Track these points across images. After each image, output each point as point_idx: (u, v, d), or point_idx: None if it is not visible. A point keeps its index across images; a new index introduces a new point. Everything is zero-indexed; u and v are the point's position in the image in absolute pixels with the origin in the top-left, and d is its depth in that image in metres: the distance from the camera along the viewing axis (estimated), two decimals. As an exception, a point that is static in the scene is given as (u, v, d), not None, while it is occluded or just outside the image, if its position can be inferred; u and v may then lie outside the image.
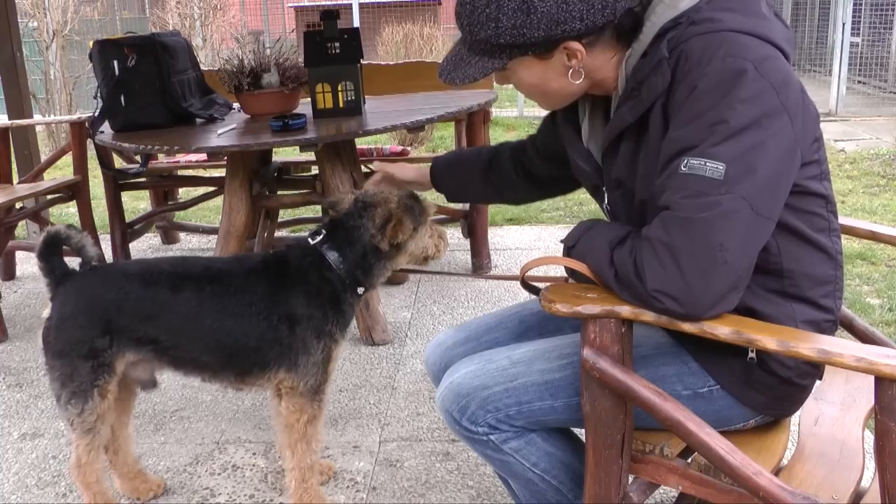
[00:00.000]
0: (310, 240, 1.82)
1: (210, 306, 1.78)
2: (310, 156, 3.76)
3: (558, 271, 1.50)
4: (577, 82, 1.31)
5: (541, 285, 1.38)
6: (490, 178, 1.74)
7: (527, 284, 1.43)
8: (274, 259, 1.86)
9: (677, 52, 1.20)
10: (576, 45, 1.25)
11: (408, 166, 1.87)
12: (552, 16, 1.22)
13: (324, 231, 1.82)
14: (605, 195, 1.42)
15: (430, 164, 1.85)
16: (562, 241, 1.38)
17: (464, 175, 1.78)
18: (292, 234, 4.44)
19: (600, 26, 1.24)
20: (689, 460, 1.34)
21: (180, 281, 1.80)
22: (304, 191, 3.37)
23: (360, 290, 1.84)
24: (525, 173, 1.71)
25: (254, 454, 2.32)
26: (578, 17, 1.22)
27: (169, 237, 4.56)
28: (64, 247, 1.82)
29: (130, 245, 4.03)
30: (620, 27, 1.26)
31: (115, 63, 3.14)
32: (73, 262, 1.83)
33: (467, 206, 3.72)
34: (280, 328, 1.79)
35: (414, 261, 1.88)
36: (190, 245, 4.57)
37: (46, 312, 1.79)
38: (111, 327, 1.77)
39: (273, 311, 1.79)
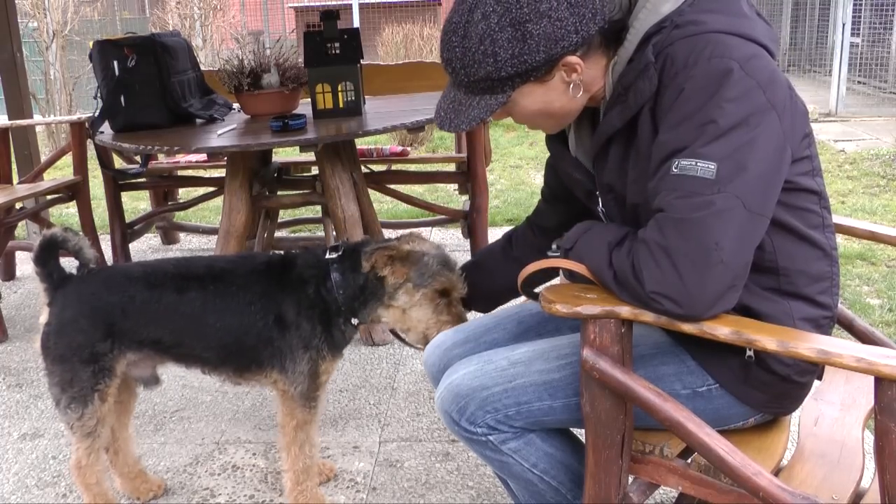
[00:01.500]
0: (326, 253, 1.80)
1: (213, 305, 1.79)
2: (310, 156, 3.75)
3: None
4: (578, 96, 1.30)
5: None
6: (511, 253, 1.68)
7: (526, 290, 1.42)
8: (280, 261, 1.86)
9: (663, 56, 1.20)
10: (574, 58, 1.25)
11: None
12: (549, 35, 1.21)
13: (342, 250, 1.80)
14: (599, 200, 1.42)
15: None
16: (559, 244, 1.38)
17: (487, 267, 1.71)
18: (292, 235, 4.45)
19: (593, 34, 1.24)
20: (689, 460, 1.34)
21: (185, 282, 1.80)
22: (304, 191, 3.36)
23: (355, 321, 1.81)
24: (542, 232, 1.66)
25: (254, 454, 2.32)
26: (573, 30, 1.22)
27: (169, 237, 4.56)
28: (60, 249, 1.82)
29: (130, 245, 4.03)
30: (607, 33, 1.26)
31: (115, 63, 3.14)
32: (67, 265, 1.83)
33: (467, 205, 3.72)
34: (273, 329, 1.79)
35: (413, 333, 1.76)
36: (190, 245, 4.57)
37: (44, 318, 1.79)
38: (114, 330, 1.77)
39: (269, 311, 1.79)
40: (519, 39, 1.21)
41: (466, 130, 1.33)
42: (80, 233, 1.90)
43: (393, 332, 1.87)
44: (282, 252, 1.91)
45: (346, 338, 1.85)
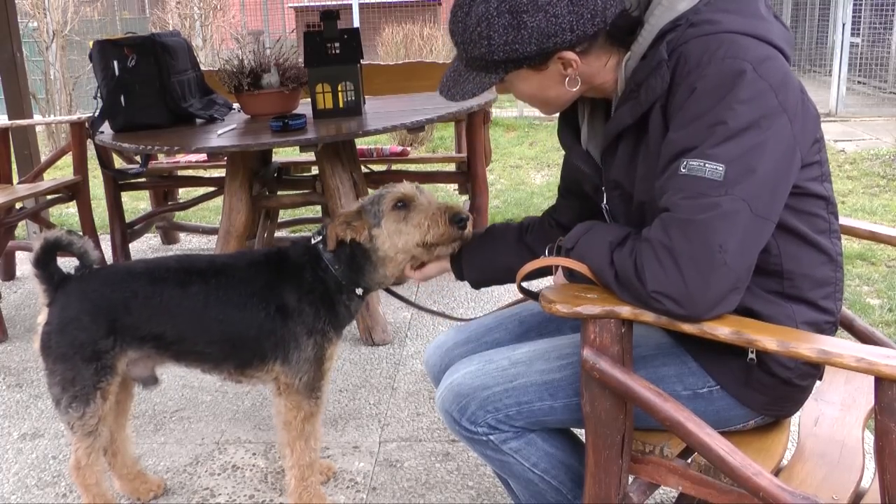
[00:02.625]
0: (312, 239, 1.83)
1: (216, 298, 1.80)
2: (310, 156, 3.76)
3: (549, 278, 1.49)
4: (574, 89, 1.32)
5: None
6: (524, 237, 1.65)
7: (524, 290, 1.42)
8: (276, 254, 1.88)
9: (676, 53, 1.20)
10: (570, 54, 1.26)
11: None
12: (542, 30, 1.22)
13: (324, 231, 1.82)
14: (604, 195, 1.42)
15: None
16: (560, 243, 1.37)
17: (494, 241, 1.66)
18: (292, 235, 4.44)
19: (591, 35, 1.25)
20: (689, 460, 1.34)
21: (187, 276, 1.81)
22: (304, 191, 3.37)
23: (359, 291, 1.83)
24: (558, 225, 1.65)
25: (254, 454, 2.32)
26: (568, 28, 1.22)
27: (169, 237, 4.56)
28: (62, 251, 1.81)
29: (130, 245, 4.03)
30: (614, 31, 1.26)
31: (115, 63, 3.14)
32: (64, 263, 1.83)
33: (467, 205, 3.72)
34: (276, 319, 1.80)
35: (420, 252, 1.70)
36: (190, 245, 4.57)
37: (42, 318, 1.78)
38: (116, 327, 1.77)
39: (270, 302, 1.80)
40: (514, 28, 1.23)
41: (461, 101, 1.36)
42: (83, 234, 1.89)
43: (402, 298, 1.86)
44: (276, 247, 1.93)
45: (350, 312, 1.87)
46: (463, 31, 1.29)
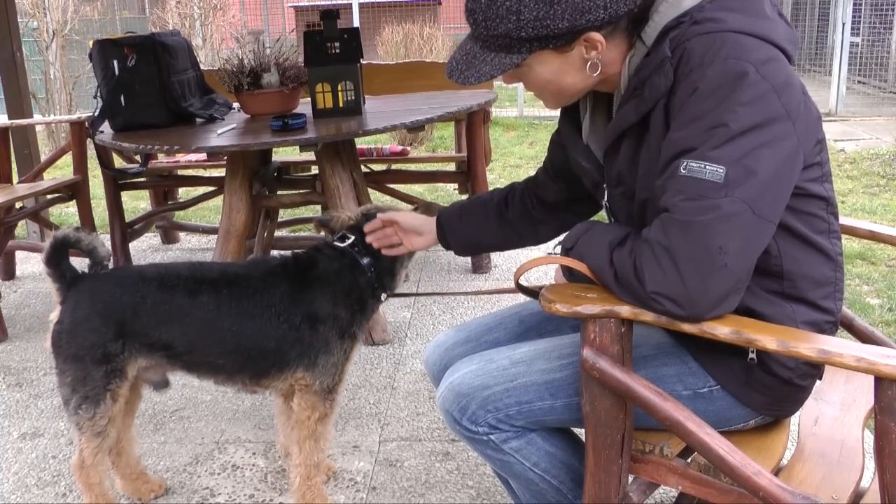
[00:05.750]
0: (338, 243, 1.83)
1: (228, 309, 1.77)
2: (310, 156, 3.76)
3: (549, 277, 1.49)
4: (594, 75, 1.28)
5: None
6: (506, 216, 1.66)
7: (523, 288, 1.42)
8: (294, 260, 1.86)
9: (679, 50, 1.19)
10: (597, 35, 1.23)
11: (412, 215, 1.77)
12: (576, 5, 1.19)
13: (352, 237, 1.83)
14: (605, 192, 1.42)
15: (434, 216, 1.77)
16: (559, 243, 1.37)
17: (476, 219, 1.68)
18: (292, 234, 4.44)
19: (622, 14, 1.22)
20: (689, 460, 1.34)
21: (198, 285, 1.78)
22: (304, 191, 3.37)
23: (384, 295, 1.87)
24: (540, 203, 1.65)
25: (254, 454, 2.32)
26: (602, 6, 1.19)
27: (169, 237, 4.56)
28: (71, 248, 1.80)
29: (130, 245, 4.03)
30: (635, 17, 1.25)
31: (115, 63, 3.14)
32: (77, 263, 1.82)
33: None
34: (302, 328, 1.79)
35: None
36: (190, 245, 4.56)
37: (55, 316, 1.77)
38: (125, 331, 1.75)
39: (295, 312, 1.78)
40: (546, 2, 1.19)
41: (476, 84, 1.29)
42: (93, 231, 1.89)
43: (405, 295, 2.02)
44: (290, 253, 1.91)
45: (372, 314, 1.92)
46: (487, 7, 1.22)
